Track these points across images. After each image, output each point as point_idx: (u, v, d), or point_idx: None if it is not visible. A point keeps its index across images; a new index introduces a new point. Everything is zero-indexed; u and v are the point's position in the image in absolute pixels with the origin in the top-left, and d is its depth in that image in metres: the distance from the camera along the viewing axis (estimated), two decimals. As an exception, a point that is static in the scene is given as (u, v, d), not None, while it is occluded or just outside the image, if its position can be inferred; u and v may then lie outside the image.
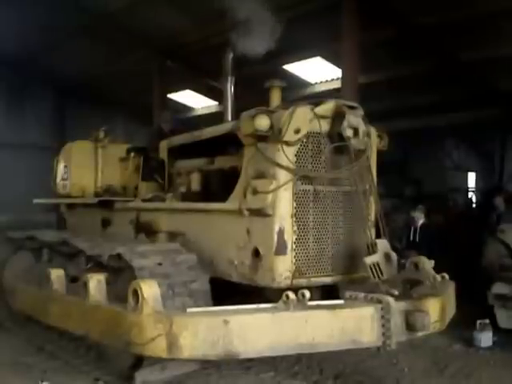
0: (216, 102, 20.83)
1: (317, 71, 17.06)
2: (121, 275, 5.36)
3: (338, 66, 14.35)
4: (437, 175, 22.06)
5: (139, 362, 5.04)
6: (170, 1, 14.06)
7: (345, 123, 5.06)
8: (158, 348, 3.90)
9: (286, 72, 16.60)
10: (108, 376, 5.37)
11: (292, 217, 4.94)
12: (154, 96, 17.82)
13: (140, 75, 17.93)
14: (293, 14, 12.38)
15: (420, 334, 4.45)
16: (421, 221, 9.86)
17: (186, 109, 22.43)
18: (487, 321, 6.96)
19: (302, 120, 4.97)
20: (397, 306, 4.31)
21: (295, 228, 4.96)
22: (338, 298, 4.72)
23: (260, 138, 4.98)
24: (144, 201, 7.06)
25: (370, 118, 5.41)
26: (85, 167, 8.30)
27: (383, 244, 4.94)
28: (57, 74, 19.88)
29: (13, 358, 6.15)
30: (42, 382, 5.34)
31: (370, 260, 4.79)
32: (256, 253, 5.02)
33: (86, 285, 4.67)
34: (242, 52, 6.31)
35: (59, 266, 5.97)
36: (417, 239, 9.69)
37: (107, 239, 6.72)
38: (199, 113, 22.43)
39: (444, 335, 6.39)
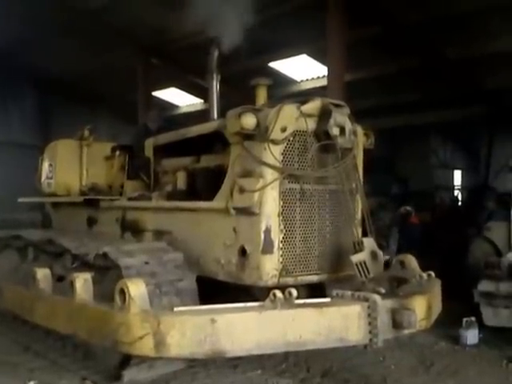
0: (201, 100, 20.79)
1: (303, 69, 17.07)
2: (107, 274, 5.34)
3: (324, 64, 14.37)
4: (423, 173, 22.16)
5: (127, 360, 5.02)
6: (154, -3, 13.99)
7: (331, 121, 5.05)
8: (146, 347, 3.89)
9: (271, 69, 16.58)
10: (95, 375, 5.31)
11: (279, 215, 4.94)
12: (138, 94, 17.74)
13: (125, 73, 17.85)
14: (278, 11, 12.40)
15: (406, 331, 4.48)
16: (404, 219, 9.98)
17: (171, 106, 22.35)
18: (473, 318, 6.96)
19: (289, 118, 4.96)
20: (383, 304, 4.32)
21: (282, 227, 4.96)
22: (324, 296, 4.72)
23: (246, 136, 4.97)
24: (130, 199, 7.02)
25: (356, 116, 5.40)
26: (70, 166, 8.26)
27: (370, 242, 4.93)
28: (40, 72, 19.65)
29: (-1, 357, 6.11)
30: (29, 381, 5.30)
31: (356, 258, 4.79)
32: (243, 251, 5.00)
33: (72, 284, 4.64)
34: (228, 49, 6.30)
35: (45, 265, 5.93)
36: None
37: (93, 238, 6.67)
38: (184, 111, 22.37)
39: (430, 333, 6.41)
